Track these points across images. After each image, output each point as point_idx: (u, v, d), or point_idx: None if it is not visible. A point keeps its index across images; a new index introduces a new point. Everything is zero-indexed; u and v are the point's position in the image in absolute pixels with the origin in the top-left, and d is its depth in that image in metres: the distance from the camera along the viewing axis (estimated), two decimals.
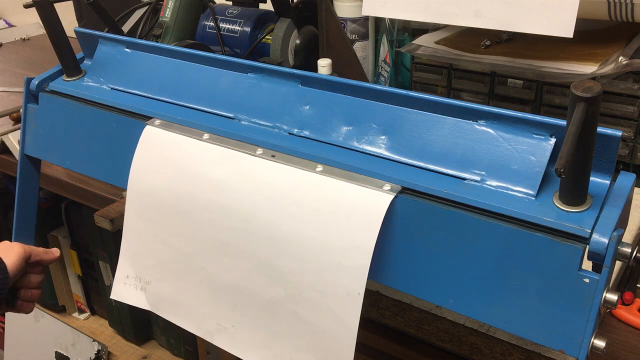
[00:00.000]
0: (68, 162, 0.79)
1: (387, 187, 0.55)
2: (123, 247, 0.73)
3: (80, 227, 1.38)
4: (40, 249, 0.80)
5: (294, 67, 1.06)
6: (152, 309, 0.72)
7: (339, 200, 0.56)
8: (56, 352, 1.40)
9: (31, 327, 1.44)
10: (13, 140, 1.14)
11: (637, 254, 0.48)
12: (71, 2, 1.33)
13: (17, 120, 1.23)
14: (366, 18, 1.12)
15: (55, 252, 0.82)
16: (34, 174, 0.86)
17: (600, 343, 0.48)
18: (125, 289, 0.73)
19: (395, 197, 0.54)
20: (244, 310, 0.64)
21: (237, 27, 1.15)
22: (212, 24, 1.17)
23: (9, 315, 1.49)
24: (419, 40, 1.01)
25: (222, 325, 0.66)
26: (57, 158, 0.80)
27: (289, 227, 0.58)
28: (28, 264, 0.78)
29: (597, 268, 0.48)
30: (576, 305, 0.48)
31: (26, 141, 0.83)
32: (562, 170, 0.42)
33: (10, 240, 1.52)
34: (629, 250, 0.47)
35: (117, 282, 0.74)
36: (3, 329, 1.54)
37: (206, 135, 0.66)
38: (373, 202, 0.55)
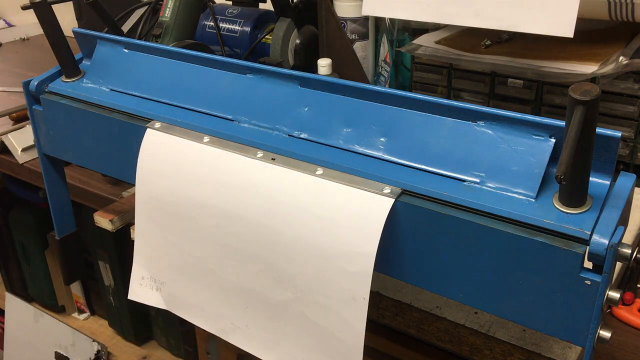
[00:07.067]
0: (84, 161, 0.80)
1: (387, 190, 0.55)
2: (136, 249, 0.73)
3: (80, 227, 1.38)
4: None
5: (294, 67, 1.06)
6: (168, 309, 0.73)
7: (340, 205, 0.56)
8: (56, 352, 1.40)
9: (31, 327, 1.44)
10: (13, 140, 1.14)
11: (637, 255, 0.48)
12: (71, 2, 1.33)
13: (17, 120, 1.23)
14: (366, 18, 1.12)
15: None
16: (57, 166, 0.88)
17: (605, 334, 0.49)
18: (142, 289, 0.74)
19: (396, 200, 0.54)
20: (255, 311, 0.64)
21: (237, 27, 1.15)
22: (212, 23, 1.17)
23: (9, 315, 1.50)
24: (419, 40, 1.01)
25: (236, 324, 0.66)
26: (72, 157, 0.82)
27: (291, 232, 0.58)
28: None
29: (597, 268, 0.48)
30: (579, 305, 0.49)
31: (41, 141, 0.84)
32: (562, 177, 0.42)
33: (11, 238, 1.51)
34: (628, 251, 0.47)
35: (133, 283, 0.75)
36: (3, 329, 1.54)
37: (206, 139, 0.66)
38: (374, 206, 0.55)
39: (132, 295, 0.75)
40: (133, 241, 0.75)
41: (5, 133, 1.15)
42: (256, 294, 0.63)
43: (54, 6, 0.76)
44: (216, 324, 0.68)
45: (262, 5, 1.19)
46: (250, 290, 0.64)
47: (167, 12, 1.00)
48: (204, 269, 0.67)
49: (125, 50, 0.77)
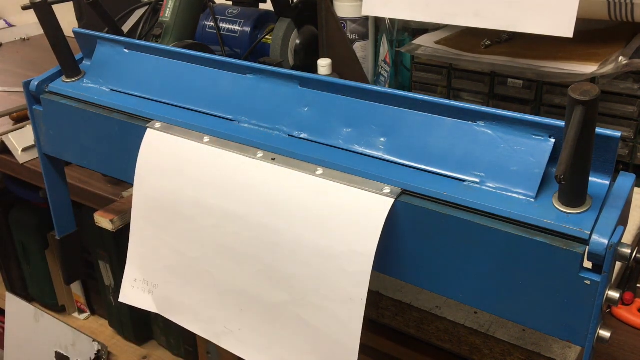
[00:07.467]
0: (84, 161, 0.80)
1: (387, 190, 0.55)
2: (130, 250, 0.73)
3: (80, 227, 1.38)
4: None
5: (294, 67, 1.06)
6: (160, 312, 0.72)
7: (340, 205, 0.56)
8: (56, 352, 1.40)
9: (31, 327, 1.45)
10: (13, 140, 1.14)
11: (637, 255, 0.48)
12: (71, 2, 1.33)
13: (17, 120, 1.23)
14: (366, 18, 1.12)
15: None
16: (57, 166, 0.88)
17: (605, 334, 0.49)
18: (133, 292, 0.73)
19: (396, 200, 0.54)
20: (249, 313, 0.64)
21: (237, 27, 1.15)
22: (212, 24, 1.17)
23: (9, 315, 1.50)
24: (419, 40, 1.01)
25: (229, 328, 0.66)
26: (72, 157, 0.82)
27: (291, 232, 0.58)
28: None
29: (597, 267, 0.48)
30: (579, 305, 0.49)
31: (41, 141, 0.84)
32: (562, 177, 0.42)
33: (11, 238, 1.51)
34: (628, 251, 0.47)
35: (125, 285, 0.74)
36: (3, 329, 1.54)
37: (207, 139, 0.66)
38: (373, 206, 0.55)
39: (123, 298, 0.74)
40: None
41: (6, 133, 1.15)
42: (251, 296, 0.63)
43: (54, 6, 0.76)
44: (208, 328, 0.68)
45: (262, 5, 1.19)
46: (245, 292, 0.64)
47: (167, 13, 1.00)
48: (199, 271, 0.67)
49: (126, 51, 0.77)
